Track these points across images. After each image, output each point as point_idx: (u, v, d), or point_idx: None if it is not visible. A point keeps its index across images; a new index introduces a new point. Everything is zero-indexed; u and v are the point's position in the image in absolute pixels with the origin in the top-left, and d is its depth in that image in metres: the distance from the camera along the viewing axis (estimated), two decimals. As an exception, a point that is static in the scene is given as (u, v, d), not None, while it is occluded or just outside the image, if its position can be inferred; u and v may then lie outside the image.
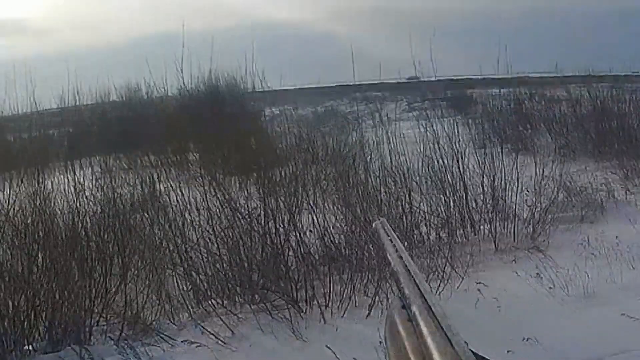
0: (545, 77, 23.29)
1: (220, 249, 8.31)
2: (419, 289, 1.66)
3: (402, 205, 9.70)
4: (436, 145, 10.77)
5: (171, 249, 8.36)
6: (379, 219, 1.96)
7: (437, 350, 1.20)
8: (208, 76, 19.04)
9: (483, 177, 10.17)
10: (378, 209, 9.26)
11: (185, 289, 8.04)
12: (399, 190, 10.17)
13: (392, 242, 1.93)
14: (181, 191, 9.94)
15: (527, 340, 6.22)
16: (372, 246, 8.11)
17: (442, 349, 1.20)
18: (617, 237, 8.77)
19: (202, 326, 7.27)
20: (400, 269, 1.96)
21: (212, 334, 7.07)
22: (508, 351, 6.03)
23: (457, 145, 10.72)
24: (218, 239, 8.35)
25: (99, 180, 10.95)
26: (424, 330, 1.47)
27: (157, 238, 8.59)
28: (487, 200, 10.00)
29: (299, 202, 9.38)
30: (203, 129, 16.26)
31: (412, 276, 1.83)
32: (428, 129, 11.39)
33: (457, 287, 7.75)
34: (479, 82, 23.97)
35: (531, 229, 9.54)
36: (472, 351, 1.19)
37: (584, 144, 15.50)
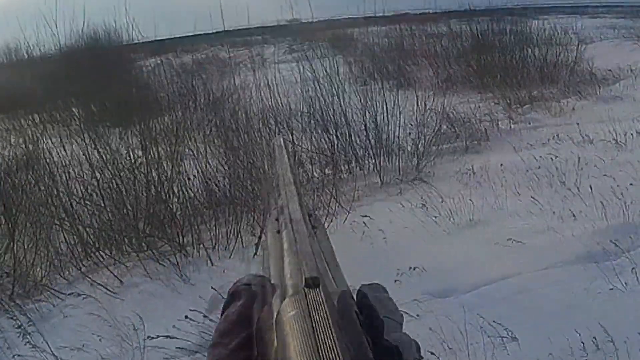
0: (425, 13, 23.41)
1: (105, 201, 8.04)
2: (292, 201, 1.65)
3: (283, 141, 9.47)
4: (317, 84, 10.54)
5: (56, 204, 8.04)
6: (278, 137, 2.04)
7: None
8: (85, 30, 18.62)
9: (365, 113, 10.02)
10: (261, 151, 9.04)
11: (73, 243, 7.75)
12: (281, 130, 10.03)
13: (283, 160, 1.96)
14: (64, 147, 9.61)
15: (414, 269, 6.13)
16: (257, 186, 8.00)
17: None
18: (501, 164, 8.77)
19: (90, 278, 7.04)
20: (282, 184, 1.92)
21: (101, 285, 6.86)
22: (395, 281, 5.93)
23: (338, 83, 10.52)
24: (102, 191, 8.09)
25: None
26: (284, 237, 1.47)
27: (42, 195, 8.28)
28: (371, 136, 9.87)
29: (181, 149, 9.14)
30: (83, 84, 15.85)
31: (290, 191, 1.78)
32: (308, 69, 11.20)
33: (344, 222, 7.62)
34: (359, 22, 23.92)
35: (416, 162, 9.44)
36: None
37: (466, 77, 15.57)
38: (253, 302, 1.49)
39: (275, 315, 1.21)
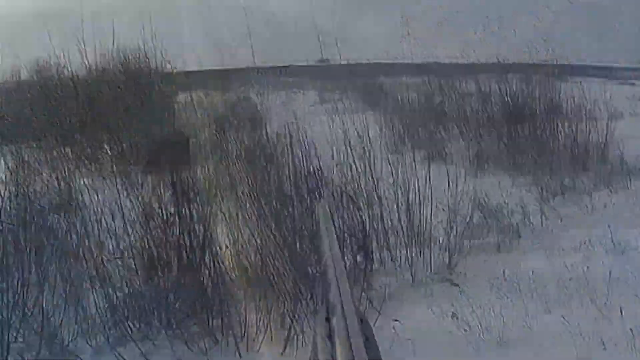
0: (452, 63, 23.31)
1: (135, 261, 8.09)
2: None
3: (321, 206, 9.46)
4: (348, 148, 10.52)
5: (87, 258, 8.09)
6: (320, 201, 1.98)
7: None
8: (115, 53, 18.55)
9: (397, 190, 10.03)
10: (292, 222, 9.06)
11: (102, 306, 7.81)
12: (312, 200, 9.99)
13: (330, 232, 1.86)
14: (96, 192, 9.68)
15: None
16: (289, 265, 8.02)
17: None
18: (532, 272, 8.77)
19: (117, 352, 7.12)
20: (332, 271, 1.86)
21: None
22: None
23: (369, 147, 10.54)
24: (133, 249, 8.15)
25: (12, 174, 10.51)
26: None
27: (74, 245, 8.33)
28: (402, 219, 9.88)
29: (214, 211, 9.13)
30: (114, 114, 15.86)
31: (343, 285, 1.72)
32: (338, 125, 11.23)
33: (374, 325, 7.62)
34: (388, 68, 23.97)
35: (447, 257, 9.49)
36: None
37: (497, 154, 15.54)
38: None
39: None
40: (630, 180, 13.38)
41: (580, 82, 18.49)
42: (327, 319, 1.68)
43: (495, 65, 19.79)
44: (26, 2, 28.39)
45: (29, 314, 7.64)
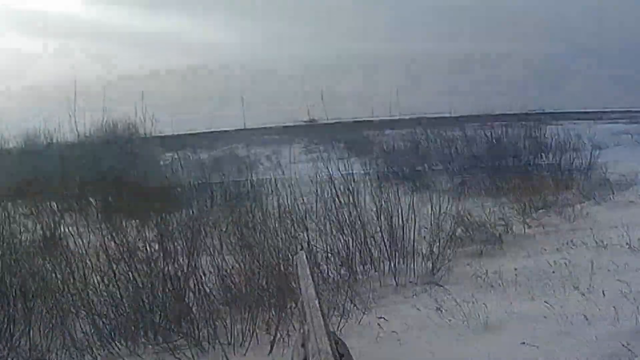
0: (441, 117, 23.73)
1: (121, 291, 8.16)
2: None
3: (301, 244, 9.63)
4: (332, 186, 10.70)
5: (72, 292, 8.15)
6: (298, 253, 1.99)
7: None
8: (104, 122, 18.97)
9: (380, 215, 10.15)
10: (276, 250, 9.14)
11: (89, 332, 7.84)
12: (297, 230, 10.15)
13: (305, 278, 1.94)
14: (80, 237, 9.77)
15: (428, 374, 6.18)
16: (272, 284, 8.08)
17: None
18: (515, 269, 8.84)
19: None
20: (307, 306, 1.94)
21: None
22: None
23: (352, 184, 10.71)
24: (119, 282, 8.19)
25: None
26: None
27: (59, 282, 8.39)
28: (385, 238, 9.98)
29: (198, 245, 9.24)
30: (102, 175, 16.10)
31: (316, 316, 1.80)
32: (323, 170, 11.40)
33: (359, 323, 7.68)
34: (373, 124, 24.28)
35: (430, 265, 9.54)
36: None
37: (480, 181, 15.70)
38: None
39: None
40: (612, 193, 13.53)
41: (563, 124, 18.84)
42: (303, 345, 1.81)
43: (480, 116, 20.12)
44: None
45: (17, 344, 7.67)
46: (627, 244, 9.52)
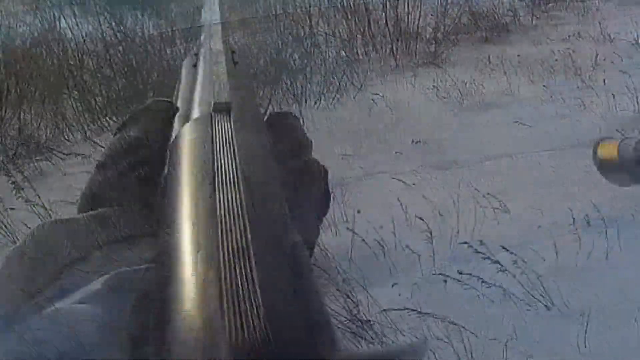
0: None
1: (116, 73, 8.21)
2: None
3: (302, 28, 9.52)
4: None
5: (66, 76, 8.21)
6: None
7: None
8: None
9: (386, 2, 9.97)
10: (279, 33, 9.06)
11: (81, 109, 7.92)
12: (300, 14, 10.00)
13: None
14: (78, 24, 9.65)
15: (416, 142, 6.21)
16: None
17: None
18: (519, 55, 8.74)
19: (93, 141, 7.19)
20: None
21: (103, 147, 6.92)
22: (396, 152, 6.00)
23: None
24: (114, 65, 8.23)
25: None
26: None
27: (53, 67, 8.37)
28: (389, 24, 9.82)
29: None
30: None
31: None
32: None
33: (354, 98, 7.68)
34: None
35: (433, 49, 9.42)
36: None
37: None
38: (151, 125, 1.35)
39: (172, 139, 1.13)
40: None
41: None
42: (196, 54, 1.61)
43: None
44: None
45: (7, 124, 7.72)
46: (634, 39, 9.35)
